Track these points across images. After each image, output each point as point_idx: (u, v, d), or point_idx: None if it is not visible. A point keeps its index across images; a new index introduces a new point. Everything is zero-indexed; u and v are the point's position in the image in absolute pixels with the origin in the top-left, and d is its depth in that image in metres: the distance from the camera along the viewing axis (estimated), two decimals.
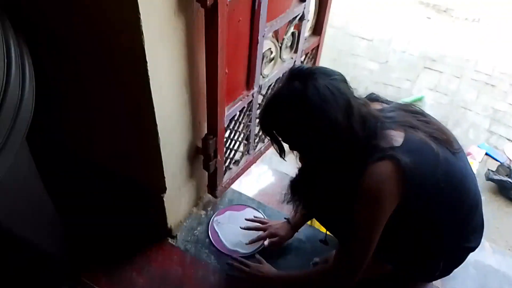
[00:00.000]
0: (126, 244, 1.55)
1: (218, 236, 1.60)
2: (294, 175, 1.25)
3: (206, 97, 1.32)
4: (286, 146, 1.18)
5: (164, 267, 1.49)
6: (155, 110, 1.14)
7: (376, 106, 1.20)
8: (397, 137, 1.09)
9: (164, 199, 1.41)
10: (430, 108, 2.80)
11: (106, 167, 1.50)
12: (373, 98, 1.25)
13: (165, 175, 1.35)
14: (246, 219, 1.63)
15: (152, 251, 1.54)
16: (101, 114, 1.32)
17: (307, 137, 1.06)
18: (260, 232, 1.57)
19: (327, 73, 1.05)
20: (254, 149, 1.82)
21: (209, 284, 1.45)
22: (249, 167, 1.82)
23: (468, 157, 2.32)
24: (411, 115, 1.16)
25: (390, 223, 1.10)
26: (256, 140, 1.78)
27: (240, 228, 1.61)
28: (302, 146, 1.15)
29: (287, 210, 1.69)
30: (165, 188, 1.39)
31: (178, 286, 1.43)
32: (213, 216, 1.67)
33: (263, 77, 1.57)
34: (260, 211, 1.71)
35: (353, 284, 1.18)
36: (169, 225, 1.53)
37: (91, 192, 1.58)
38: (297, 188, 1.23)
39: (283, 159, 1.24)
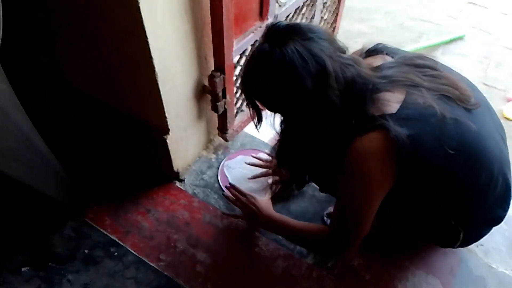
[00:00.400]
0: (132, 187, 1.50)
1: (228, 181, 1.52)
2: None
3: (211, 27, 1.17)
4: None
5: (171, 211, 1.43)
6: (148, 39, 1.01)
7: (377, 61, 1.03)
8: (393, 102, 0.92)
9: (168, 141, 1.31)
10: (470, 47, 2.52)
11: (102, 100, 1.41)
12: (378, 49, 1.07)
13: (167, 115, 1.24)
14: (253, 156, 1.54)
15: (159, 195, 1.48)
16: (87, 39, 1.20)
17: (282, 105, 0.95)
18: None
19: (303, 32, 0.89)
20: None
21: (217, 229, 1.39)
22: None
23: (509, 103, 2.09)
24: (416, 70, 0.98)
25: (393, 198, 0.97)
26: None
27: (245, 163, 1.52)
28: (280, 112, 1.03)
29: None
30: (168, 130, 1.29)
31: (185, 230, 1.38)
32: (224, 160, 1.57)
33: (279, 5, 1.38)
34: (272, 155, 1.60)
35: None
36: (175, 169, 1.45)
37: (89, 129, 1.51)
38: (283, 158, 1.12)
39: (256, 128, 1.11)
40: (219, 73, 1.28)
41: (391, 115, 0.91)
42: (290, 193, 1.40)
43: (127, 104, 1.33)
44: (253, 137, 1.67)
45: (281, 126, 1.11)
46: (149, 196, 1.47)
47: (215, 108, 1.39)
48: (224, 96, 1.36)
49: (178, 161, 1.45)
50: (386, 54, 1.05)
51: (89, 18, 1.10)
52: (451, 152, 0.90)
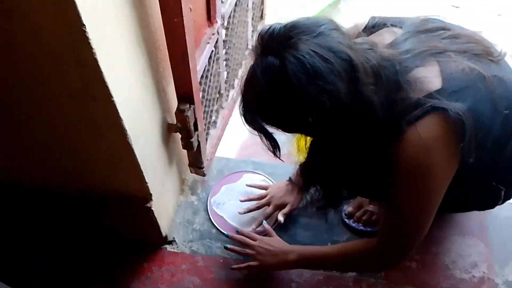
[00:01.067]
0: (115, 273, 1.17)
1: (225, 220, 1.27)
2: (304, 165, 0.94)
3: (169, 52, 0.89)
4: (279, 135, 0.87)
5: (176, 283, 1.15)
6: (114, 98, 0.71)
7: (385, 37, 0.88)
8: (431, 76, 0.79)
9: (153, 208, 1.02)
10: None
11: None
12: (378, 24, 0.92)
13: (146, 179, 0.94)
14: (241, 201, 1.29)
15: (153, 270, 1.17)
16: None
17: (307, 124, 0.75)
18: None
19: (310, 28, 0.71)
20: (227, 100, 1.43)
21: (240, 282, 1.15)
22: (227, 123, 1.45)
23: None
24: (433, 36, 0.85)
25: None
26: (226, 88, 1.39)
27: (239, 213, 1.27)
28: (305, 133, 0.84)
29: (289, 160, 1.40)
30: (150, 195, 0.99)
31: None
32: (208, 198, 1.31)
33: (222, 1, 1.14)
34: (259, 172, 1.38)
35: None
36: (164, 233, 1.16)
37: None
38: (314, 178, 0.93)
39: (279, 158, 0.91)
40: (188, 105, 1.00)
41: (439, 91, 0.76)
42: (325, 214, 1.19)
43: (87, 180, 0.99)
44: (227, 159, 1.43)
45: (309, 145, 0.90)
46: (142, 277, 1.16)
47: (188, 146, 1.12)
48: (196, 129, 1.09)
49: (164, 222, 1.15)
50: (391, 25, 0.90)
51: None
52: (505, 112, 0.79)
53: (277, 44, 0.72)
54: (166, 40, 0.86)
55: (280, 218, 1.21)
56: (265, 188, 1.30)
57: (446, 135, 0.75)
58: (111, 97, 0.69)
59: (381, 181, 0.85)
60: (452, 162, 0.79)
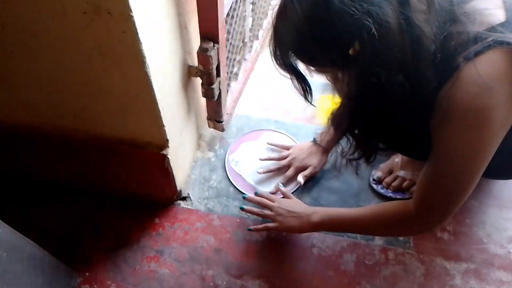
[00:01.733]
0: (124, 229, 1.09)
1: (243, 178, 1.18)
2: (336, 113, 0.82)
3: None
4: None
5: (190, 242, 1.07)
6: (132, 12, 0.60)
7: None
8: (492, 8, 0.67)
9: (169, 156, 0.93)
10: None
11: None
12: None
13: (164, 122, 0.85)
14: (261, 159, 1.20)
15: (165, 227, 1.10)
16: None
17: (347, 58, 0.64)
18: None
19: None
20: (250, 51, 1.32)
21: (258, 244, 1.07)
22: (249, 77, 1.34)
23: None
24: None
25: None
26: (250, 38, 1.28)
27: (258, 172, 1.19)
28: (343, 70, 0.71)
29: (313, 121, 1.30)
30: (167, 141, 0.90)
31: (218, 260, 1.04)
32: (226, 155, 1.22)
33: None
34: (281, 131, 1.29)
35: None
36: (178, 187, 1.07)
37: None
38: (349, 125, 0.80)
39: (311, 103, 0.80)
40: (212, 43, 0.90)
41: (502, 24, 0.65)
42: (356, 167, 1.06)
43: (98, 122, 0.89)
44: (248, 117, 1.33)
45: (343, 87, 0.78)
46: (153, 233, 1.08)
47: (208, 94, 1.02)
48: (218, 75, 0.99)
49: (180, 177, 1.07)
50: None
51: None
52: None
53: None
54: None
55: (300, 179, 1.13)
56: (287, 148, 1.21)
57: (510, 73, 0.64)
58: (130, 10, 0.59)
59: (424, 130, 0.75)
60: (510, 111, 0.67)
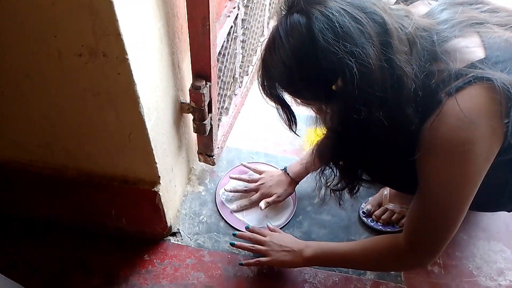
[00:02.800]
0: (118, 268, 1.07)
1: (234, 214, 1.18)
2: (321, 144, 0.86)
3: (188, 17, 0.80)
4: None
5: (180, 279, 1.05)
6: (128, 55, 0.62)
7: (420, 8, 0.81)
8: (472, 47, 0.71)
9: (160, 193, 0.92)
10: None
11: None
12: None
13: (156, 159, 0.85)
14: (231, 177, 1.23)
15: (154, 263, 1.08)
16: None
17: (331, 93, 0.67)
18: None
19: None
20: (240, 86, 1.35)
21: (250, 280, 1.06)
22: (239, 112, 1.36)
23: None
24: (471, 8, 0.78)
25: None
26: (241, 74, 1.31)
27: (225, 189, 1.21)
28: (327, 104, 0.74)
29: (299, 153, 1.32)
30: (159, 177, 0.90)
31: None
32: (217, 189, 1.22)
33: None
34: (272, 165, 1.30)
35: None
36: (169, 223, 1.06)
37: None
38: (331, 156, 0.81)
39: (295, 132, 0.84)
40: (204, 81, 0.92)
41: (482, 61, 0.69)
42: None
43: (91, 160, 0.89)
44: (238, 150, 1.34)
45: (326, 119, 0.80)
46: (143, 270, 1.06)
47: (200, 129, 1.03)
48: (210, 111, 1.01)
49: (170, 212, 1.06)
50: None
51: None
52: None
53: (305, 0, 0.65)
54: (186, 3, 0.77)
55: (262, 205, 1.14)
56: (259, 172, 1.23)
57: (491, 107, 0.66)
58: (126, 53, 0.61)
59: (409, 164, 0.76)
60: (495, 140, 0.69)
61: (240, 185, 1.21)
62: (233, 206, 1.18)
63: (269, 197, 1.15)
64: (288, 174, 1.17)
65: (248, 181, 1.21)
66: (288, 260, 0.98)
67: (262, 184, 1.18)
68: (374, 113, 0.67)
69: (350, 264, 0.99)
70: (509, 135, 0.68)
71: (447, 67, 0.69)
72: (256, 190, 1.18)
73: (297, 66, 0.67)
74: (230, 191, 1.20)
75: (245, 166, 1.25)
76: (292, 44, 0.66)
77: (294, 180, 1.17)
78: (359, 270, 1.08)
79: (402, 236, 0.84)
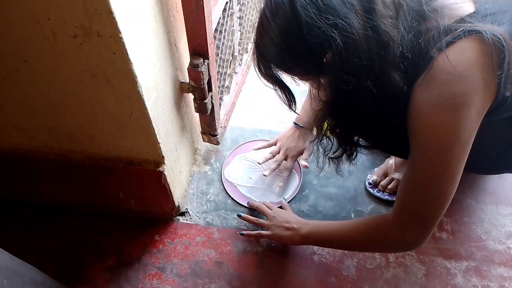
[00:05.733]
0: (123, 247, 1.09)
1: (239, 191, 1.19)
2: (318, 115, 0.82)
3: None
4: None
5: (191, 257, 1.07)
6: (121, 33, 0.62)
7: None
8: (460, 2, 0.70)
9: (165, 173, 0.94)
10: None
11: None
12: None
13: (158, 139, 0.86)
14: (255, 149, 1.24)
15: (165, 243, 1.10)
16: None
17: (323, 65, 0.68)
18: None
19: None
20: (240, 64, 1.34)
21: (259, 255, 1.08)
22: (240, 90, 1.36)
23: None
24: None
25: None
26: (240, 51, 1.30)
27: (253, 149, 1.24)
28: (322, 76, 0.74)
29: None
30: (163, 157, 0.91)
31: (220, 273, 1.04)
32: (222, 168, 1.23)
33: None
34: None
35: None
36: (177, 203, 1.08)
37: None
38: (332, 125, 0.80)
39: (295, 111, 0.86)
40: (201, 59, 0.92)
41: (471, 15, 0.68)
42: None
43: (94, 142, 0.90)
44: (242, 128, 1.34)
45: (320, 93, 0.79)
46: (154, 250, 1.08)
47: (201, 108, 1.03)
48: (210, 89, 1.01)
49: (178, 192, 1.07)
50: None
51: None
52: None
53: None
54: None
55: (304, 163, 1.16)
56: (273, 143, 1.23)
57: (481, 60, 0.65)
58: (119, 32, 0.61)
59: (403, 127, 0.75)
60: (488, 92, 0.67)
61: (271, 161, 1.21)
62: (266, 172, 1.18)
63: (303, 154, 1.18)
64: (300, 126, 1.18)
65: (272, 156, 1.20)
66: (286, 236, 0.99)
67: (286, 149, 1.18)
68: (362, 83, 0.67)
69: (342, 242, 0.95)
70: (502, 87, 0.66)
71: (436, 24, 0.68)
72: (285, 157, 1.19)
73: (285, 44, 0.69)
74: (263, 162, 1.21)
75: (258, 149, 1.25)
76: (279, 24, 0.67)
77: (307, 129, 1.17)
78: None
79: (391, 213, 0.82)
